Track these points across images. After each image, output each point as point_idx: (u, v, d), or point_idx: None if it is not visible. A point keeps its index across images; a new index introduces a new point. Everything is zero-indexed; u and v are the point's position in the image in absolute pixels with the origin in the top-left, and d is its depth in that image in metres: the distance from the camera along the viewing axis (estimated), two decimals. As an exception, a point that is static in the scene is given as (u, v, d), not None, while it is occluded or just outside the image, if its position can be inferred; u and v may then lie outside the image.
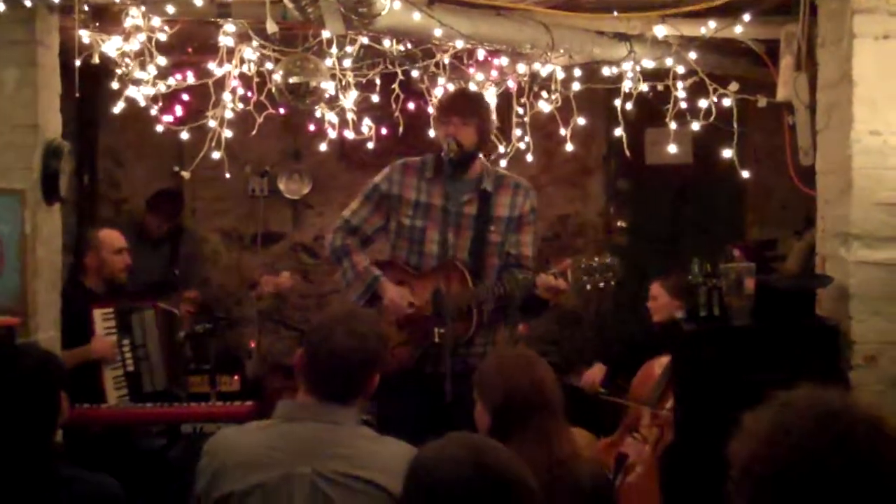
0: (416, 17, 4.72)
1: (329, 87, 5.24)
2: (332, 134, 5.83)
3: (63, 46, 4.81)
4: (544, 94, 5.67)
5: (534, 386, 2.90)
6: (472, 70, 5.71)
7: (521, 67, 5.57)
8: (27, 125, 4.52)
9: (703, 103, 5.18)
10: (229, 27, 5.03)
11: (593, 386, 5.44)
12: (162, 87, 5.33)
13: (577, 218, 7.86)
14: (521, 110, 5.80)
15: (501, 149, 5.87)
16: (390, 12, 4.50)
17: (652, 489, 4.68)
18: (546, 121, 5.87)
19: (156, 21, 4.94)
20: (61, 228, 4.84)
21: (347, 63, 5.41)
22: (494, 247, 4.47)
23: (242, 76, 5.39)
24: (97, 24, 5.01)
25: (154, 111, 5.42)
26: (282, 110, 5.78)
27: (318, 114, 5.70)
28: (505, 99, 5.91)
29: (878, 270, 4.11)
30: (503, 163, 5.82)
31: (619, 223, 7.84)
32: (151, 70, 5.16)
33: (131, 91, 5.26)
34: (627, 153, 5.56)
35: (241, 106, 5.44)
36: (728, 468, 1.79)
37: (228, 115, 5.39)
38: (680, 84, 5.24)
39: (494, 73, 5.77)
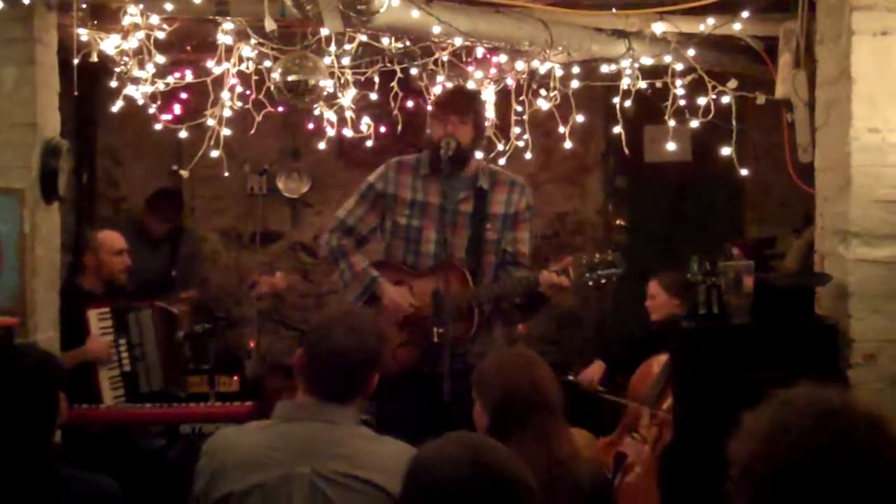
0: (415, 14, 4.71)
1: (328, 85, 5.23)
2: (331, 132, 5.83)
3: (61, 44, 4.80)
4: (543, 91, 5.66)
5: (533, 385, 2.90)
6: (470, 68, 5.70)
7: (520, 65, 5.56)
8: (26, 124, 4.51)
9: (701, 100, 5.19)
10: (228, 25, 5.03)
11: (592, 384, 5.44)
12: (160, 85, 5.32)
13: (576, 216, 7.86)
14: (519, 108, 5.79)
15: (500, 147, 5.87)
16: (389, 10, 4.50)
17: (651, 489, 4.67)
18: (545, 118, 5.87)
19: (154, 19, 4.93)
20: (60, 227, 4.83)
21: (346, 61, 5.41)
22: (491, 244, 4.47)
23: (241, 74, 5.39)
24: (95, 22, 5.00)
25: (153, 110, 5.41)
26: (280, 109, 5.77)
27: (316, 112, 5.69)
28: (504, 97, 5.91)
29: (878, 268, 4.11)
30: (502, 161, 5.82)
31: (617, 221, 7.84)
32: (150, 68, 5.16)
33: (130, 89, 5.25)
34: (626, 151, 5.56)
35: (239, 104, 5.44)
36: (727, 467, 1.79)
37: (227, 113, 5.39)
38: (678, 81, 5.25)
39: (493, 71, 5.77)
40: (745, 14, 4.88)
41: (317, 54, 5.20)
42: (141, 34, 5.00)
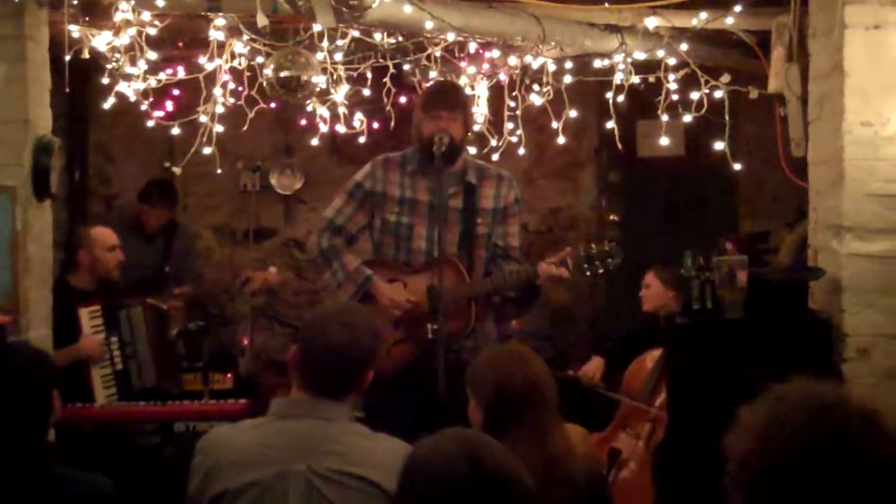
0: (407, 9, 4.71)
1: (320, 81, 5.22)
2: (324, 128, 5.82)
3: (53, 41, 4.78)
4: (536, 86, 5.66)
5: (527, 381, 2.89)
6: (463, 63, 5.70)
7: (513, 60, 5.56)
8: (17, 121, 4.49)
9: (694, 95, 5.19)
10: (220, 21, 5.02)
11: (592, 380, 5.43)
12: (152, 81, 5.31)
13: (569, 211, 7.86)
14: (512, 103, 5.79)
15: (493, 142, 5.87)
16: (381, 5, 4.49)
17: (645, 484, 4.69)
18: (538, 114, 5.86)
19: (146, 15, 4.91)
20: (52, 225, 4.82)
21: (338, 57, 5.40)
22: (482, 239, 4.46)
23: (233, 70, 5.38)
24: (87, 18, 4.99)
25: (145, 106, 5.40)
26: (273, 105, 5.76)
27: (309, 108, 5.69)
28: (496, 92, 5.90)
29: (871, 262, 4.11)
30: (495, 156, 5.82)
31: (611, 216, 7.84)
32: (142, 65, 5.15)
33: (122, 86, 5.24)
34: (619, 146, 5.57)
35: (232, 101, 5.43)
36: (722, 462, 1.79)
37: (219, 110, 5.38)
38: (671, 76, 5.25)
39: (486, 66, 5.76)
40: (737, 8, 4.89)
41: (309, 50, 5.19)
42: (132, 30, 4.98)
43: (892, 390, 4.03)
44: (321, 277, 4.58)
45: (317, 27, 5.03)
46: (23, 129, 4.49)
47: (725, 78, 5.10)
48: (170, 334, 5.69)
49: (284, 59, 5.10)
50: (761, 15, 5.01)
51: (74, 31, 4.91)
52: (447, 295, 4.17)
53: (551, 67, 5.54)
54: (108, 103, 5.34)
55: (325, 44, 5.23)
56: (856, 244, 4.12)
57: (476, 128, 5.88)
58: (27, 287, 4.45)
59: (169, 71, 5.45)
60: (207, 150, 5.35)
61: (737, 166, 5.26)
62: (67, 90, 4.69)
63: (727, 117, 5.11)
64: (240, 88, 5.45)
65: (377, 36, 5.29)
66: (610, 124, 5.48)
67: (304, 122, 6.21)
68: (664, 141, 5.43)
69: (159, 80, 5.35)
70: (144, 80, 5.25)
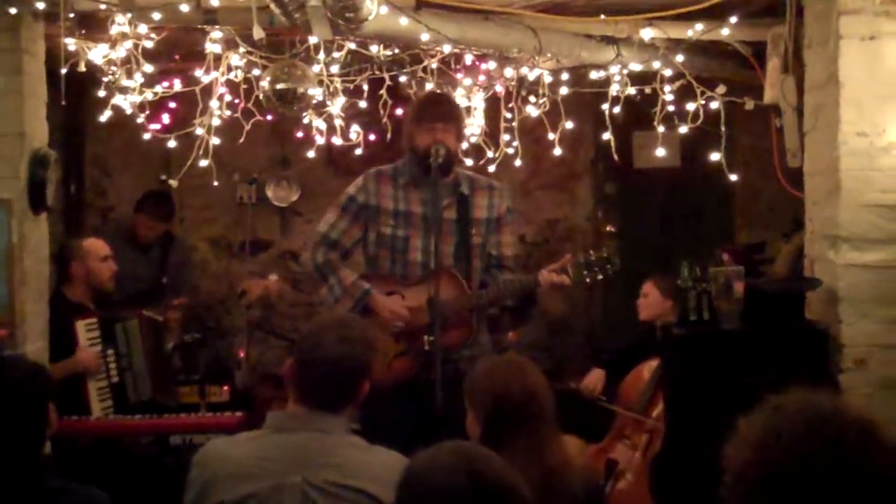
0: (404, 21, 4.71)
1: (317, 93, 5.23)
2: (320, 140, 5.82)
3: (49, 54, 4.79)
4: (532, 98, 5.66)
5: (525, 393, 2.88)
6: (459, 75, 5.71)
7: (509, 72, 5.56)
8: (13, 134, 4.49)
9: (690, 106, 5.19)
10: (216, 34, 5.02)
11: (593, 392, 5.42)
12: (149, 94, 5.31)
13: (566, 222, 7.87)
14: (509, 115, 5.79)
15: (490, 154, 5.88)
16: (377, 17, 4.49)
17: (642, 495, 4.68)
18: (534, 125, 5.87)
19: (142, 28, 4.91)
20: (48, 238, 4.81)
21: (335, 69, 5.40)
22: (477, 249, 4.46)
23: (230, 83, 5.38)
24: (83, 31, 4.98)
25: (141, 119, 5.39)
26: (269, 117, 5.76)
27: (305, 120, 5.69)
28: (493, 103, 5.91)
29: (867, 273, 4.12)
30: (492, 168, 5.82)
31: (607, 227, 7.85)
32: (138, 78, 5.14)
33: (118, 99, 5.23)
34: (615, 157, 5.57)
35: (228, 113, 5.43)
36: (718, 472, 1.78)
37: (216, 122, 5.38)
38: (667, 87, 5.26)
39: (482, 78, 5.77)
40: (733, 19, 4.89)
41: (305, 62, 5.20)
42: (129, 43, 4.98)
43: (888, 400, 4.03)
44: (317, 293, 4.54)
45: (313, 39, 5.04)
46: (19, 141, 4.49)
47: (721, 89, 5.11)
48: (166, 347, 5.68)
49: (281, 72, 5.10)
50: (757, 26, 5.02)
51: (71, 44, 4.90)
52: (448, 306, 4.18)
53: (547, 79, 5.55)
54: (105, 116, 5.34)
55: (321, 56, 5.23)
56: (852, 254, 4.12)
57: (473, 139, 5.89)
58: (23, 300, 4.45)
59: (165, 84, 5.45)
60: (204, 163, 5.35)
61: (733, 177, 5.26)
62: (64, 103, 4.68)
63: (723, 128, 5.11)
64: (236, 101, 5.45)
65: (373, 48, 5.30)
66: (606, 135, 5.49)
67: (300, 134, 6.20)
68: (660, 152, 5.44)
69: (156, 93, 5.35)
70: (141, 92, 5.25)
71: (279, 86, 5.08)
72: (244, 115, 5.45)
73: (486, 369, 3.04)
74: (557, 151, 5.77)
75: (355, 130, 5.87)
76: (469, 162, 5.74)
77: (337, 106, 5.61)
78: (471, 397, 2.96)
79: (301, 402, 2.76)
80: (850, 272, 4.12)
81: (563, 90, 5.56)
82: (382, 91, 5.73)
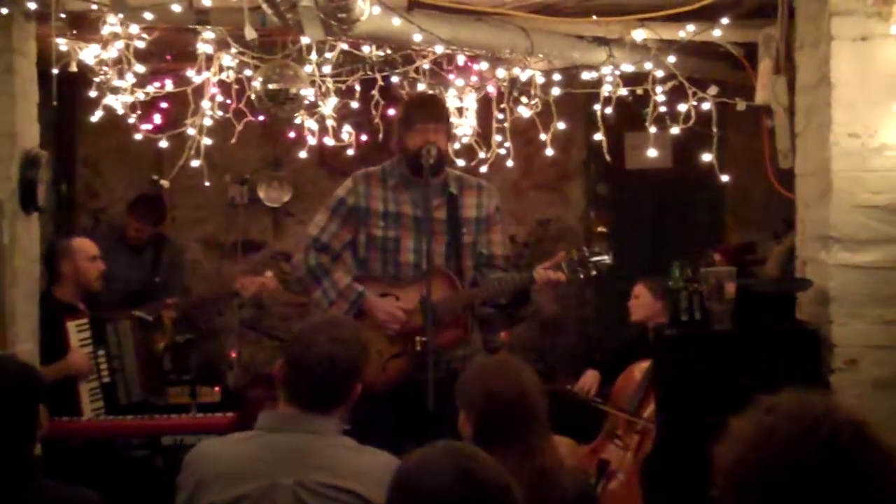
0: (396, 22, 4.71)
1: (309, 93, 5.22)
2: (312, 141, 5.82)
3: (40, 54, 4.78)
4: (524, 99, 5.67)
5: (517, 393, 2.88)
6: (451, 75, 5.71)
7: (501, 72, 5.57)
8: (4, 134, 4.48)
9: (682, 107, 5.20)
10: (208, 34, 5.02)
11: (588, 394, 5.42)
12: (140, 95, 5.30)
13: (558, 223, 7.87)
14: (500, 116, 5.80)
15: (482, 154, 5.88)
16: (369, 18, 4.49)
17: (634, 496, 4.68)
18: (526, 126, 5.88)
19: (134, 28, 4.91)
20: (39, 238, 4.80)
21: (327, 69, 5.40)
22: (467, 248, 4.46)
23: (221, 83, 5.38)
24: (74, 31, 4.98)
25: (132, 119, 5.39)
26: (261, 118, 5.75)
27: (297, 121, 5.69)
28: (485, 104, 5.91)
29: (858, 273, 4.12)
30: (483, 168, 5.83)
31: (599, 228, 7.85)
32: (130, 78, 5.14)
33: (109, 99, 5.23)
34: (607, 158, 5.57)
35: (220, 113, 5.42)
36: (710, 473, 1.78)
37: (207, 122, 5.37)
38: (659, 88, 5.26)
39: (474, 79, 5.77)
40: (724, 20, 4.90)
41: (297, 63, 5.19)
42: (120, 44, 4.98)
43: (880, 401, 4.04)
44: (310, 296, 4.52)
45: (305, 40, 5.04)
46: (10, 142, 4.48)
47: (713, 90, 5.12)
48: (157, 348, 5.67)
49: (273, 72, 5.10)
50: (748, 27, 5.03)
51: (62, 44, 4.90)
52: (444, 306, 4.18)
53: (539, 80, 5.55)
54: (96, 116, 5.33)
55: (313, 56, 5.24)
56: (843, 255, 4.12)
57: (465, 140, 5.90)
58: (14, 301, 4.44)
59: (157, 84, 5.44)
60: (195, 163, 5.34)
61: (724, 178, 5.27)
62: (55, 103, 4.67)
63: (715, 129, 5.12)
64: (228, 101, 5.45)
65: (365, 48, 5.30)
66: (598, 136, 5.50)
67: (292, 134, 6.20)
68: (652, 153, 5.44)
69: (147, 94, 5.34)
70: (132, 93, 5.24)
71: (271, 86, 5.08)
72: (236, 115, 5.45)
73: (479, 369, 3.03)
74: (549, 152, 5.77)
75: (347, 131, 5.87)
76: (461, 162, 5.74)
77: (329, 106, 5.61)
78: (463, 397, 2.95)
79: (292, 403, 2.75)
80: (842, 273, 4.13)
81: (555, 91, 5.57)
82: (374, 91, 5.73)
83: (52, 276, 5.35)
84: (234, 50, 5.14)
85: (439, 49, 5.14)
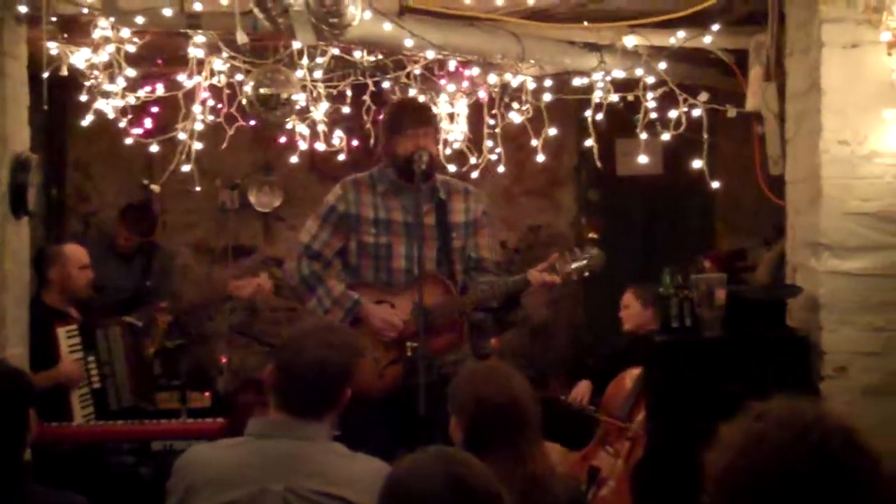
0: (387, 27, 4.71)
1: (300, 98, 5.22)
2: (303, 146, 5.82)
3: (31, 58, 4.76)
4: (515, 104, 5.67)
5: (507, 399, 2.87)
6: (443, 81, 5.71)
7: (492, 78, 5.58)
8: (-6, 138, 4.47)
9: (673, 113, 5.21)
10: (199, 38, 5.01)
11: (581, 404, 5.42)
12: (131, 99, 5.29)
13: (549, 229, 7.87)
14: (492, 121, 5.80)
15: (473, 160, 5.88)
16: (361, 23, 4.49)
17: (625, 503, 4.68)
18: (517, 132, 5.88)
19: (125, 32, 4.91)
20: (29, 243, 4.79)
21: (318, 74, 5.40)
22: (457, 253, 4.46)
23: (212, 88, 5.37)
24: (65, 35, 4.97)
25: (123, 123, 5.38)
26: (252, 122, 5.75)
27: (288, 125, 5.68)
28: (476, 110, 5.92)
29: (848, 280, 4.13)
30: (475, 174, 5.83)
31: (590, 234, 7.85)
32: (120, 82, 5.13)
33: (100, 103, 5.22)
34: (598, 164, 5.58)
35: (211, 118, 5.42)
36: (701, 480, 1.78)
37: (198, 127, 5.37)
38: (650, 94, 5.27)
39: (465, 84, 5.78)
40: (715, 27, 4.92)
41: (289, 68, 5.19)
42: (111, 48, 4.97)
43: (869, 408, 4.04)
44: (305, 305, 4.50)
45: (296, 45, 5.04)
46: (0, 145, 4.46)
47: (703, 96, 5.13)
48: (147, 353, 5.65)
49: (264, 77, 5.10)
50: (739, 34, 5.04)
51: (53, 47, 4.89)
52: (440, 310, 4.19)
53: (531, 85, 5.56)
54: (87, 120, 5.33)
55: (304, 61, 5.24)
56: (833, 262, 4.13)
57: (456, 145, 5.90)
58: (4, 305, 4.42)
59: (148, 88, 5.43)
60: (186, 168, 5.34)
61: (715, 184, 5.27)
62: (45, 107, 4.66)
63: (705, 135, 5.12)
64: (219, 106, 5.44)
65: (357, 53, 5.30)
66: (589, 142, 5.50)
67: (283, 139, 6.20)
68: (643, 159, 5.45)
69: (138, 98, 5.34)
70: (123, 97, 5.24)
71: (262, 91, 5.08)
72: (227, 120, 5.44)
73: (469, 375, 3.03)
74: (540, 158, 5.78)
75: (338, 136, 5.87)
76: (452, 168, 5.75)
77: (320, 111, 5.61)
78: (454, 403, 2.95)
79: (282, 409, 2.74)
80: (832, 280, 4.13)
81: (547, 97, 5.57)
82: (366, 97, 5.73)
83: (41, 281, 5.33)
84: (225, 54, 5.13)
85: (431, 54, 5.15)
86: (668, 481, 3.93)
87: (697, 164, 5.16)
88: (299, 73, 5.27)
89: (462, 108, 5.89)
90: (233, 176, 7.54)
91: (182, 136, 5.36)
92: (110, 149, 7.05)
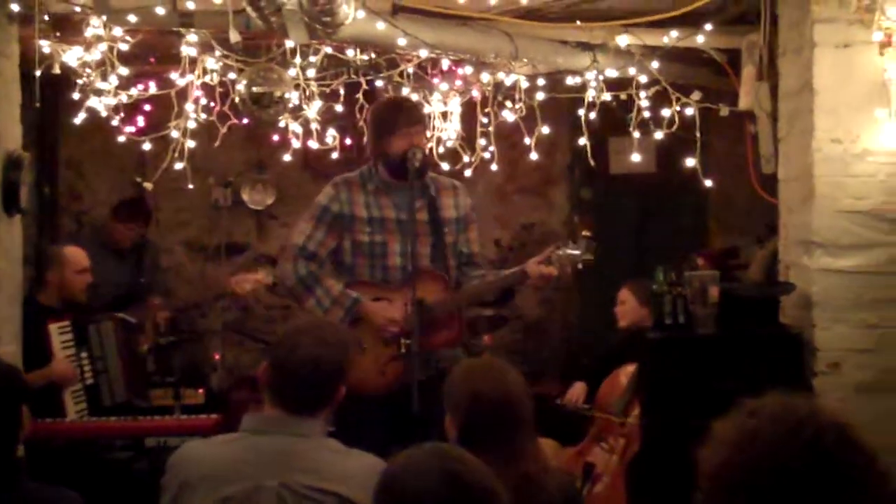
0: (380, 26, 4.71)
1: (293, 97, 5.22)
2: (296, 144, 5.81)
3: (23, 56, 4.76)
4: (508, 103, 5.68)
5: (502, 395, 2.87)
6: (436, 80, 5.71)
7: (486, 77, 5.58)
8: (-14, 136, 4.47)
9: (665, 112, 5.21)
10: (192, 37, 5.01)
11: (576, 405, 5.43)
12: (124, 97, 5.29)
13: (542, 227, 7.88)
14: (485, 120, 5.81)
15: (466, 158, 5.89)
16: (354, 21, 4.49)
17: (619, 499, 4.69)
18: (510, 130, 5.88)
19: (117, 31, 4.90)
20: (22, 241, 4.78)
21: (311, 73, 5.40)
22: (450, 248, 4.47)
23: (205, 86, 5.37)
24: (58, 33, 4.96)
25: (116, 122, 5.37)
26: (245, 121, 5.74)
27: (281, 124, 5.68)
28: (469, 108, 5.92)
29: (841, 278, 4.15)
30: (468, 172, 5.83)
31: (583, 232, 7.85)
32: (113, 80, 5.13)
33: (93, 101, 5.21)
34: (591, 162, 5.58)
35: (204, 116, 5.41)
36: (696, 476, 1.79)
37: (191, 125, 5.36)
38: (643, 93, 5.28)
39: (458, 83, 5.78)
40: (708, 27, 4.92)
41: (282, 66, 5.19)
42: (104, 46, 4.96)
43: (862, 404, 4.06)
44: (303, 306, 4.48)
45: (289, 43, 5.04)
46: (-8, 144, 4.46)
47: (696, 95, 5.14)
48: (140, 349, 5.65)
49: (257, 75, 5.10)
50: (732, 33, 5.05)
51: (45, 46, 4.88)
52: (440, 306, 4.20)
53: (524, 84, 5.56)
54: (79, 118, 5.32)
55: (297, 60, 5.24)
56: (826, 260, 4.15)
57: (449, 144, 5.91)
58: (-3, 303, 4.42)
59: (140, 86, 5.43)
60: (179, 166, 5.33)
61: (708, 183, 5.28)
62: (38, 105, 4.65)
63: (698, 134, 5.13)
64: (212, 104, 5.44)
65: (350, 52, 5.30)
66: (582, 141, 5.51)
67: (276, 137, 6.19)
68: (636, 157, 5.45)
69: (131, 96, 5.33)
70: (116, 95, 5.23)
71: (255, 89, 5.08)
72: (220, 118, 5.45)
73: (465, 371, 3.02)
74: (534, 156, 5.79)
75: (331, 134, 5.87)
76: (445, 166, 5.75)
77: (313, 110, 5.61)
78: (449, 399, 2.95)
79: (277, 406, 2.75)
80: (824, 277, 4.15)
81: (540, 95, 5.58)
82: (359, 95, 5.72)
83: (38, 281, 5.33)
84: (218, 53, 5.13)
85: (424, 53, 5.15)
86: (662, 477, 3.94)
87: (690, 162, 5.17)
88: (292, 72, 5.27)
89: (455, 106, 5.90)
90: (226, 174, 7.53)
91: (175, 134, 5.35)
92: (103, 147, 7.04)
